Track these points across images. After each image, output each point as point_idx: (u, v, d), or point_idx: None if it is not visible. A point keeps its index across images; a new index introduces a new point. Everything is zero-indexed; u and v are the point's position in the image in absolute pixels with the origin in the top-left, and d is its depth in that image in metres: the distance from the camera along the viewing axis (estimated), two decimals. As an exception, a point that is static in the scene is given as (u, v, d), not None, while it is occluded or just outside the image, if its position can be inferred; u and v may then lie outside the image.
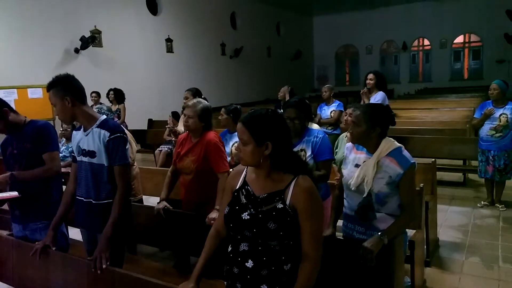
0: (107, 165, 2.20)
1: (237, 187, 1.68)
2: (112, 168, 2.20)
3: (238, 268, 1.59)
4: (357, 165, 2.20)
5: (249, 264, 1.56)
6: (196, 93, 4.16)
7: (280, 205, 1.54)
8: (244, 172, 1.70)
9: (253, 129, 1.54)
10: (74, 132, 2.39)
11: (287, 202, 1.54)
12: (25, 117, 2.58)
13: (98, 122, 2.23)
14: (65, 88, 2.17)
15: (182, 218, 2.82)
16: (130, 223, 2.34)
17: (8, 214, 2.88)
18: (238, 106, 3.75)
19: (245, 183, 1.67)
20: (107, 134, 2.18)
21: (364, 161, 2.17)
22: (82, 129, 2.28)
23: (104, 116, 2.30)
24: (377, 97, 4.76)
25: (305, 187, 1.55)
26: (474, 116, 4.90)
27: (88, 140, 2.22)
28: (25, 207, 2.52)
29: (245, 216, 1.58)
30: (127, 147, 2.26)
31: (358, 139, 2.18)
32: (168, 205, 2.83)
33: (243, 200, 1.63)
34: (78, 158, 2.30)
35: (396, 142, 2.19)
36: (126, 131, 2.48)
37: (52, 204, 2.52)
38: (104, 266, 2.04)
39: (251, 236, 1.57)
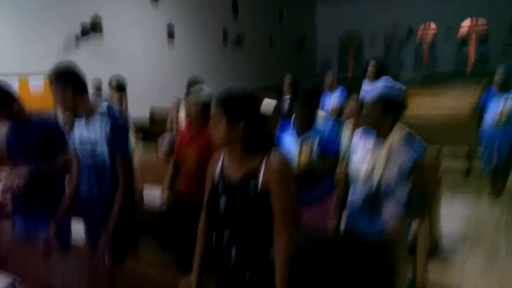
0: (109, 154, 2.17)
1: (216, 174, 1.68)
2: (114, 157, 2.17)
3: (224, 256, 1.62)
4: (367, 151, 2.16)
5: (233, 251, 1.58)
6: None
7: (252, 186, 1.54)
8: (221, 159, 1.70)
9: (225, 106, 1.54)
10: (76, 122, 2.35)
11: (259, 182, 1.53)
12: (29, 109, 2.55)
13: (99, 110, 2.19)
14: (65, 78, 2.14)
15: (184, 211, 2.80)
16: (133, 217, 2.31)
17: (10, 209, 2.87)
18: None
19: (221, 169, 1.67)
20: (109, 121, 2.15)
21: (374, 146, 2.13)
22: (83, 118, 2.24)
23: (106, 103, 2.26)
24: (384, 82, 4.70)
25: (275, 163, 1.54)
26: (479, 103, 4.79)
27: (90, 128, 2.19)
28: (27, 203, 2.50)
29: (222, 203, 1.59)
30: (129, 136, 2.23)
31: (372, 124, 2.13)
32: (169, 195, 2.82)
33: (221, 186, 1.63)
34: (80, 148, 2.27)
35: (407, 128, 2.14)
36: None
37: (54, 197, 2.51)
38: (105, 262, 2.03)
39: (230, 222, 1.58)
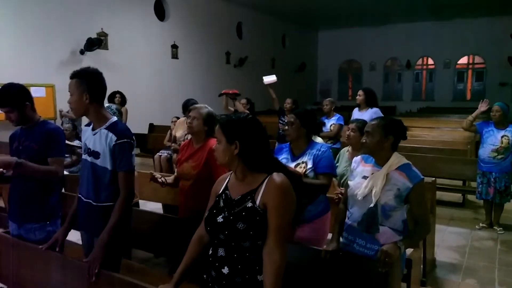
0: (110, 169, 2.16)
1: (219, 192, 1.74)
2: (115, 172, 2.16)
3: (215, 273, 1.63)
4: (364, 177, 2.21)
5: (225, 270, 1.60)
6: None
7: (249, 204, 1.58)
8: (227, 178, 1.77)
9: (225, 127, 1.65)
10: (84, 127, 2.35)
11: (257, 201, 1.58)
12: (40, 116, 2.56)
13: (107, 124, 2.19)
14: (88, 84, 2.14)
15: (178, 224, 2.80)
16: (129, 229, 2.31)
17: (5, 212, 2.86)
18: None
19: (226, 188, 1.73)
20: (114, 138, 2.13)
21: (372, 173, 2.17)
22: (91, 127, 2.25)
23: (115, 118, 2.25)
24: (373, 113, 4.84)
25: (276, 182, 1.58)
26: (477, 132, 4.87)
27: (95, 139, 2.19)
28: (23, 207, 2.49)
29: (219, 219, 1.62)
30: (133, 153, 2.21)
31: (371, 148, 2.19)
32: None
33: (221, 204, 1.68)
34: (83, 156, 2.27)
35: (404, 158, 2.20)
36: None
37: (49, 207, 2.51)
38: (96, 271, 2.01)
39: (225, 239, 1.60)
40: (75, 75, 2.16)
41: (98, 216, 2.21)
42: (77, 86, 2.13)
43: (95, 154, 2.18)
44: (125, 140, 2.15)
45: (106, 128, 2.17)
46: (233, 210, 1.61)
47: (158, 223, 2.97)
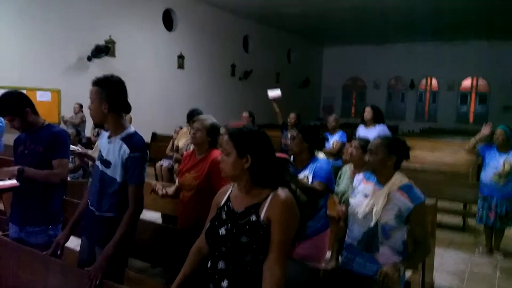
0: (120, 181, 2.13)
1: (221, 204, 1.71)
2: (124, 184, 2.13)
3: (214, 286, 1.60)
4: (366, 195, 2.20)
5: (224, 283, 1.57)
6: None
7: (253, 218, 1.56)
8: (229, 190, 1.75)
9: (237, 140, 1.61)
10: (103, 132, 2.35)
11: (262, 215, 1.56)
12: (44, 120, 2.58)
13: (123, 134, 2.17)
14: (109, 93, 2.13)
15: (177, 234, 2.78)
16: (133, 244, 2.26)
17: (4, 215, 2.86)
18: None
19: (228, 199, 1.70)
20: (128, 150, 2.10)
21: (374, 192, 2.17)
22: (108, 134, 2.24)
23: (132, 129, 2.22)
24: (380, 130, 4.84)
25: (281, 198, 1.57)
26: (479, 155, 4.85)
27: (109, 148, 2.17)
28: (25, 210, 2.49)
29: (222, 231, 1.60)
30: (145, 167, 2.18)
31: (374, 167, 2.19)
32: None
33: (223, 216, 1.66)
34: (96, 162, 2.27)
35: (407, 178, 2.20)
36: None
37: (52, 211, 2.51)
38: (97, 282, 1.99)
39: (227, 252, 1.58)
40: (97, 83, 2.15)
41: (98, 225, 2.19)
42: (98, 94, 2.13)
43: (106, 163, 2.17)
44: (139, 153, 2.12)
45: (121, 139, 2.15)
46: (237, 223, 1.59)
47: (156, 233, 2.95)
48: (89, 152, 3.56)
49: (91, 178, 2.31)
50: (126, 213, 2.11)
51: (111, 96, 2.14)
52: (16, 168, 2.37)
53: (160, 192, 2.78)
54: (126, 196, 2.14)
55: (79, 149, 3.36)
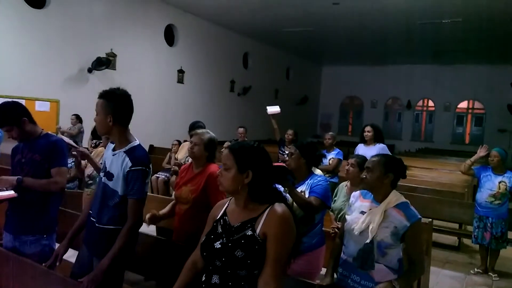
0: (120, 194, 2.13)
1: (217, 218, 1.72)
2: (124, 198, 2.13)
3: None
4: (362, 212, 2.22)
5: None
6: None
7: (249, 233, 1.56)
8: (226, 204, 1.75)
9: (238, 155, 1.62)
10: (110, 143, 2.35)
11: (258, 230, 1.56)
12: (42, 129, 2.59)
13: (127, 147, 2.17)
14: (114, 107, 2.14)
15: (171, 248, 2.77)
16: (130, 258, 2.25)
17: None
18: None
19: (224, 213, 1.71)
20: (129, 164, 2.11)
21: (370, 209, 2.18)
22: (113, 147, 2.25)
23: (137, 143, 2.23)
24: (380, 149, 4.85)
25: (278, 212, 1.57)
26: (475, 176, 4.89)
27: (113, 160, 2.18)
28: (21, 218, 2.48)
29: (217, 245, 1.60)
30: (147, 181, 2.17)
31: (371, 184, 2.20)
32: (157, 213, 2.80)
33: (219, 229, 1.66)
34: (100, 174, 2.28)
35: (403, 197, 2.22)
36: None
37: (48, 220, 2.50)
38: None
39: (221, 266, 1.57)
40: (103, 96, 2.17)
41: (97, 237, 2.19)
42: (103, 107, 2.14)
43: (109, 175, 2.17)
44: (140, 167, 2.12)
45: (125, 152, 2.16)
46: (232, 237, 1.59)
47: (151, 246, 2.94)
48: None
49: (95, 190, 2.31)
50: (124, 227, 2.10)
51: (116, 109, 2.15)
52: (15, 178, 2.38)
53: (159, 218, 2.81)
54: (126, 210, 2.14)
55: (80, 147, 3.35)
